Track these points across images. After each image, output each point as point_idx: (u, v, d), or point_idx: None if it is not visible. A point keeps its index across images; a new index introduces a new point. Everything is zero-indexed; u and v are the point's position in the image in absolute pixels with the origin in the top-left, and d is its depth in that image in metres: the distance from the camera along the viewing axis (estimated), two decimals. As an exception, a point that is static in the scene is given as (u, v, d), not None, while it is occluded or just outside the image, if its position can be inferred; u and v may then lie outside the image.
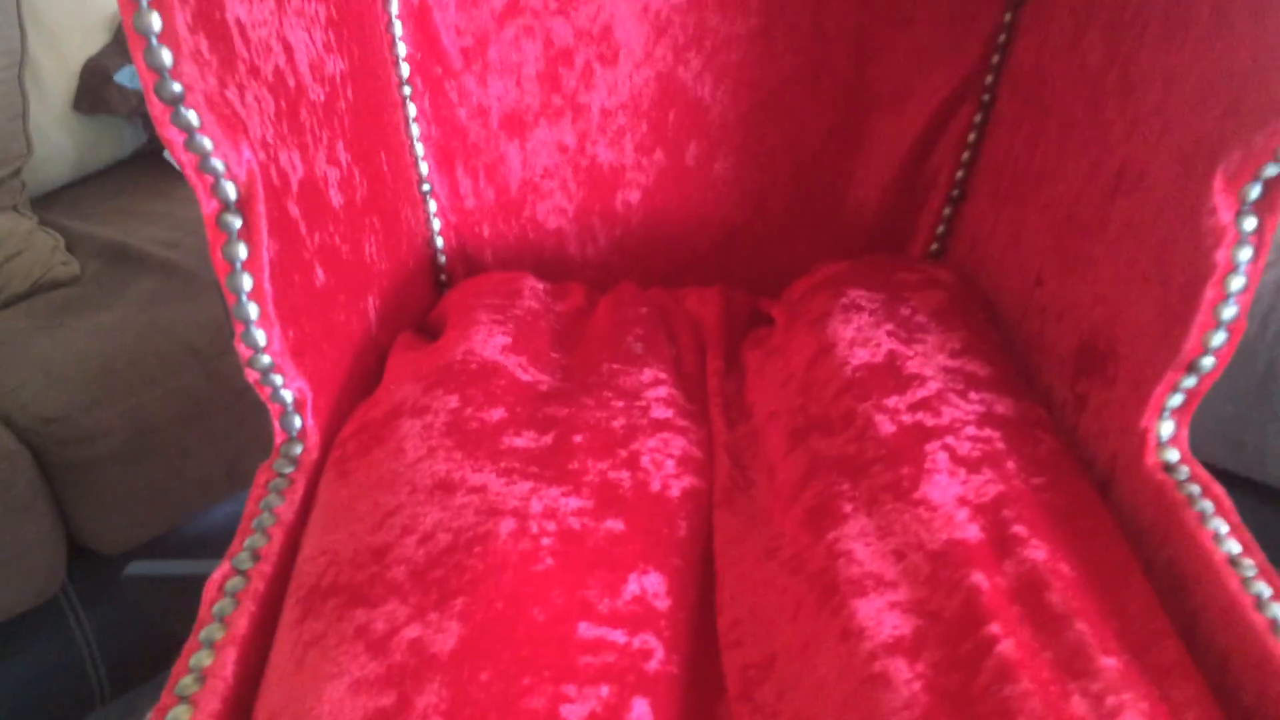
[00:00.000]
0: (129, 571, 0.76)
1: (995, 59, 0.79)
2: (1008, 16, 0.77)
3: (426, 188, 0.80)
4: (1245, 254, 0.52)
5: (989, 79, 0.79)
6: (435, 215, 0.81)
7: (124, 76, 1.54)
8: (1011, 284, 0.72)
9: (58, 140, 1.53)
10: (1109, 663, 0.45)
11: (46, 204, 1.50)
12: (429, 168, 0.80)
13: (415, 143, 0.79)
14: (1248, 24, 0.52)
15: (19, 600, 1.14)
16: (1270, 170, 0.50)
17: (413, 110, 0.78)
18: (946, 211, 0.83)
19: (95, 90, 1.54)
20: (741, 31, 0.79)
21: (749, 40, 0.79)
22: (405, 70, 0.77)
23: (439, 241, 0.82)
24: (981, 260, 0.78)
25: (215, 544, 1.27)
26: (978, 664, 0.45)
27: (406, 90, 0.77)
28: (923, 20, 0.79)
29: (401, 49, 0.77)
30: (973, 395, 0.61)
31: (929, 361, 0.63)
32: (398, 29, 0.76)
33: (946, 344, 0.65)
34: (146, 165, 1.63)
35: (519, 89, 0.80)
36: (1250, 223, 0.52)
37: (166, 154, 1.63)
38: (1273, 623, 0.47)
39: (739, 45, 0.80)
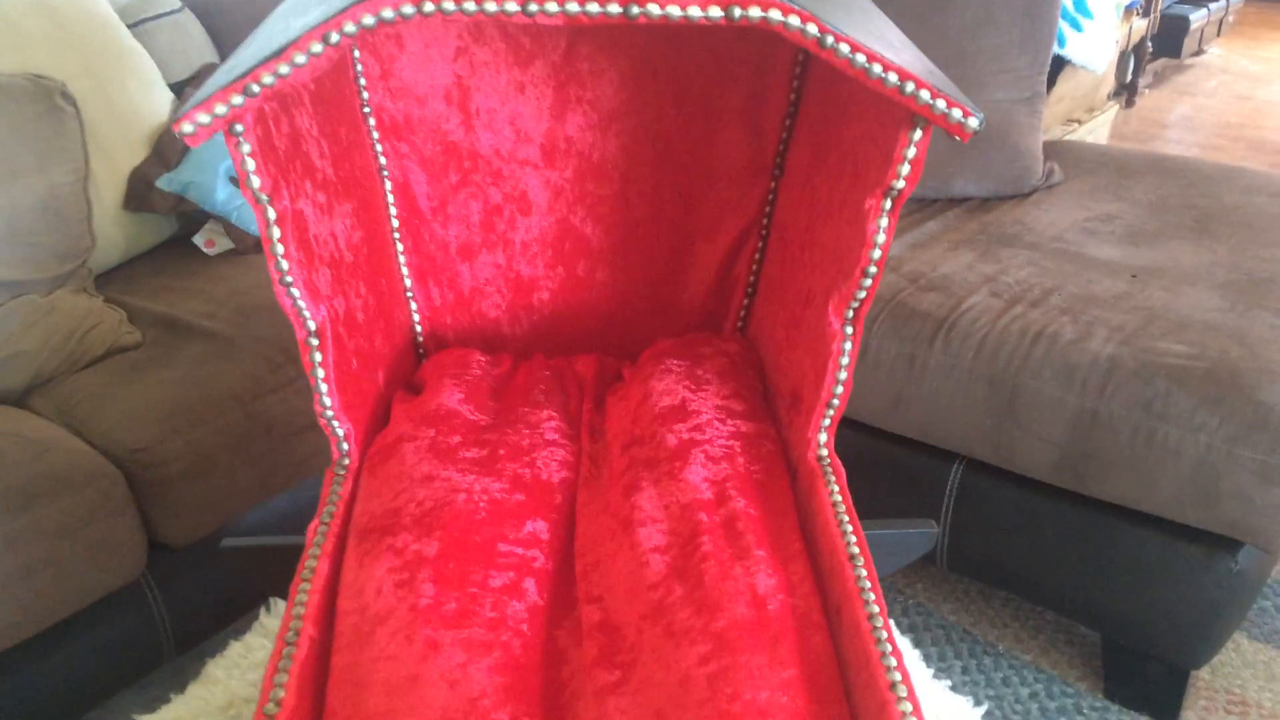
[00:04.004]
0: (224, 543, 1.25)
1: (768, 210, 1.30)
2: (773, 184, 1.29)
3: (410, 296, 1.30)
4: (847, 346, 1.03)
5: (765, 222, 1.30)
6: (416, 314, 1.31)
7: (163, 183, 2.03)
8: (769, 354, 1.24)
9: (111, 234, 2.01)
10: (760, 553, 0.96)
11: (102, 283, 1.98)
12: (411, 283, 1.30)
13: (403, 269, 1.29)
14: (843, 224, 1.03)
15: (113, 581, 1.61)
16: (854, 305, 1.01)
17: (400, 248, 1.28)
18: (745, 303, 1.34)
19: (141, 194, 2.03)
20: (609, 193, 1.30)
21: (614, 198, 1.30)
22: (396, 224, 1.28)
23: (419, 329, 1.32)
24: (761, 337, 1.29)
25: (257, 535, 1.76)
26: (692, 555, 0.95)
27: (397, 237, 1.28)
28: (723, 183, 1.30)
29: (393, 207, 1.28)
30: (729, 422, 1.12)
31: (706, 403, 1.14)
32: (391, 200, 1.26)
33: (720, 392, 1.16)
34: (178, 248, 2.12)
35: (468, 230, 1.31)
36: (849, 329, 1.03)
37: (196, 238, 2.12)
38: (844, 531, 0.97)
39: (608, 201, 1.31)
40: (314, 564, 0.94)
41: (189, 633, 1.73)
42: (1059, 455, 1.67)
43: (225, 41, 2.31)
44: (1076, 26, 2.37)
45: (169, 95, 2.16)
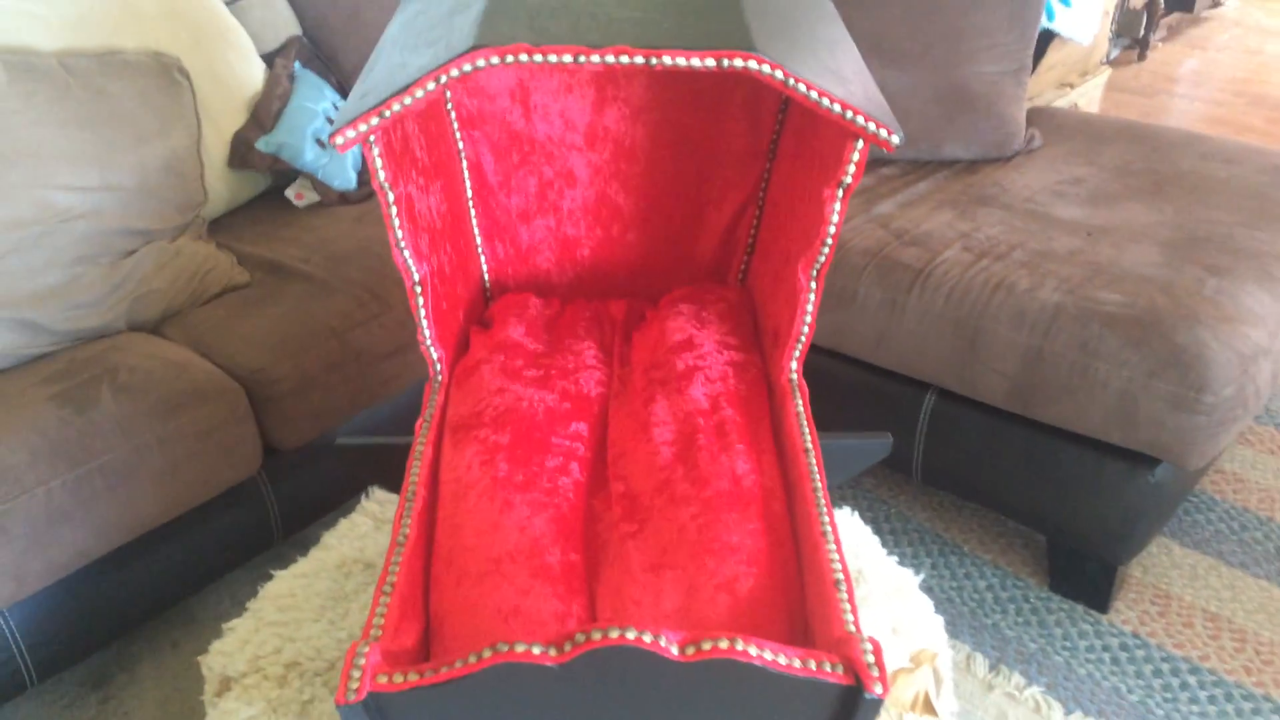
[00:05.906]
0: (339, 441, 1.66)
1: (764, 185, 1.68)
2: (768, 164, 1.67)
3: (480, 252, 1.70)
4: (811, 297, 1.41)
5: (761, 195, 1.69)
6: (485, 266, 1.71)
7: (260, 144, 2.42)
8: (761, 301, 1.63)
9: (218, 188, 2.42)
10: (740, 447, 1.36)
11: (211, 231, 2.40)
12: (481, 242, 1.70)
13: (475, 230, 1.69)
14: (811, 206, 1.41)
15: (235, 477, 2.04)
16: (816, 266, 1.40)
17: (473, 214, 1.68)
18: (745, 259, 1.73)
19: (243, 154, 2.43)
20: (637, 170, 1.69)
21: (642, 175, 1.69)
22: (470, 195, 1.67)
23: (487, 278, 1.72)
24: (755, 287, 1.68)
25: (351, 443, 2.17)
26: (691, 447, 1.35)
27: (471, 206, 1.67)
28: (727, 164, 1.69)
29: (468, 182, 1.67)
30: (725, 353, 1.52)
31: (708, 338, 1.54)
32: (467, 175, 1.66)
33: (720, 329, 1.56)
34: (271, 200, 2.54)
35: (526, 200, 1.70)
36: (813, 284, 1.41)
37: (287, 191, 2.53)
38: (803, 433, 1.36)
39: (636, 177, 1.69)
40: (421, 449, 1.35)
41: (293, 522, 2.17)
42: (1011, 386, 2.06)
43: (306, 15, 2.68)
44: (1065, 2, 2.70)
45: (261, 65, 2.55)
